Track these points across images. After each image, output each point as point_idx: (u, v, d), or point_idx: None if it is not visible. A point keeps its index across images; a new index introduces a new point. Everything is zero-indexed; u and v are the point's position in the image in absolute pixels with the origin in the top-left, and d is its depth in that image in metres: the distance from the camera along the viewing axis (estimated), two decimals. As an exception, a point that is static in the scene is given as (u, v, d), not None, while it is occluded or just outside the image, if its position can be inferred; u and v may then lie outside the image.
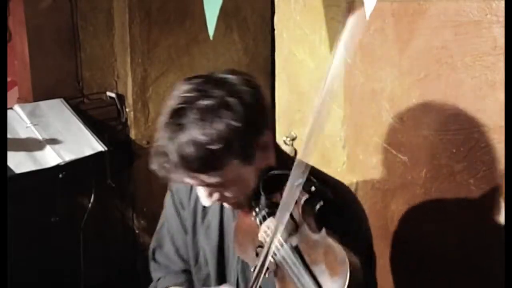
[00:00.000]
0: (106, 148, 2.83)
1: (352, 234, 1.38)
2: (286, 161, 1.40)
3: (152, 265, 1.71)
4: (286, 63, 2.15)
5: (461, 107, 1.72)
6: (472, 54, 1.66)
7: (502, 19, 1.58)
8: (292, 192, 1.21)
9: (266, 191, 1.32)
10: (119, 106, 3.25)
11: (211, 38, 1.62)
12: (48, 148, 2.70)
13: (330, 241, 1.20)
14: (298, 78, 2.12)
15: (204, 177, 1.30)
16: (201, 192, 1.39)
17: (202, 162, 1.25)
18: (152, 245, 1.71)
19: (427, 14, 1.73)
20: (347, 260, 1.15)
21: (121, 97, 3.26)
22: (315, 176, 1.30)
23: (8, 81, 2.98)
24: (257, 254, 1.31)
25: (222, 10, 1.58)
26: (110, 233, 3.29)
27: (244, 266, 1.51)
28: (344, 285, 1.14)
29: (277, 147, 1.48)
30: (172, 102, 1.30)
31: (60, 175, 2.67)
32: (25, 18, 2.86)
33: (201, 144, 1.24)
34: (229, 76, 1.33)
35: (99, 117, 3.18)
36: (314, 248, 1.22)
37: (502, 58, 1.59)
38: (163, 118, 1.30)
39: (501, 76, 1.60)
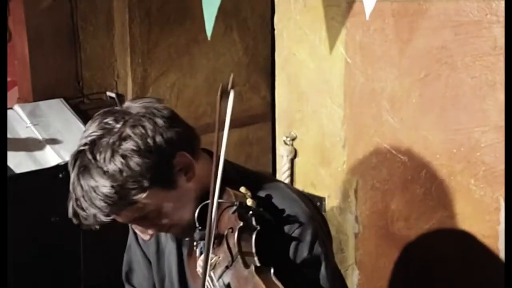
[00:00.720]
0: (106, 148, 2.83)
1: (298, 258, 1.31)
2: (230, 177, 1.33)
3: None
4: (286, 63, 2.15)
5: (461, 107, 1.72)
6: (472, 54, 1.66)
7: (502, 19, 1.58)
8: (215, 221, 1.17)
9: (202, 222, 1.27)
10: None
11: (208, 38, 1.62)
12: (48, 148, 2.70)
13: (257, 279, 1.15)
14: (298, 78, 2.12)
15: (126, 214, 1.27)
16: (137, 229, 1.36)
17: (112, 203, 1.22)
18: (124, 267, 1.67)
19: (427, 14, 1.73)
20: None
21: (121, 97, 3.26)
22: (254, 187, 1.25)
23: (8, 81, 2.97)
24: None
25: (222, 10, 1.58)
26: (110, 233, 3.28)
27: None
28: None
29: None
30: (77, 145, 1.29)
31: (60, 175, 2.66)
32: (25, 18, 2.85)
33: (105, 185, 1.21)
34: (132, 105, 1.31)
35: (99, 117, 3.18)
36: (244, 285, 1.18)
37: (502, 58, 1.59)
38: (69, 161, 1.29)
39: (501, 76, 1.60)
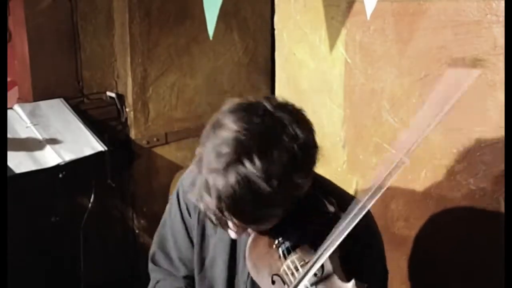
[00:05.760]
0: (106, 148, 2.84)
1: (373, 274, 1.39)
2: (320, 188, 1.39)
3: (152, 267, 1.66)
4: (286, 63, 2.15)
5: (461, 107, 1.72)
6: (472, 54, 1.66)
7: (502, 19, 1.58)
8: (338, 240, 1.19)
9: (295, 224, 1.30)
10: (119, 106, 3.25)
11: (210, 38, 1.62)
12: (48, 148, 2.70)
13: None
14: (298, 78, 2.12)
15: (243, 225, 1.30)
16: (230, 228, 1.34)
17: (251, 218, 1.24)
18: (153, 247, 1.65)
19: (427, 14, 1.73)
20: None
21: (121, 97, 3.26)
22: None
23: (8, 81, 2.98)
24: (273, 282, 1.28)
25: (222, 10, 1.58)
26: (110, 233, 3.29)
27: (254, 281, 1.48)
28: None
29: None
30: (232, 134, 1.18)
31: (60, 175, 2.67)
32: (25, 18, 2.86)
33: (258, 201, 1.19)
34: (294, 128, 1.29)
35: (99, 117, 3.18)
36: None
37: (502, 58, 1.59)
38: (222, 149, 1.18)
39: (501, 76, 1.60)
